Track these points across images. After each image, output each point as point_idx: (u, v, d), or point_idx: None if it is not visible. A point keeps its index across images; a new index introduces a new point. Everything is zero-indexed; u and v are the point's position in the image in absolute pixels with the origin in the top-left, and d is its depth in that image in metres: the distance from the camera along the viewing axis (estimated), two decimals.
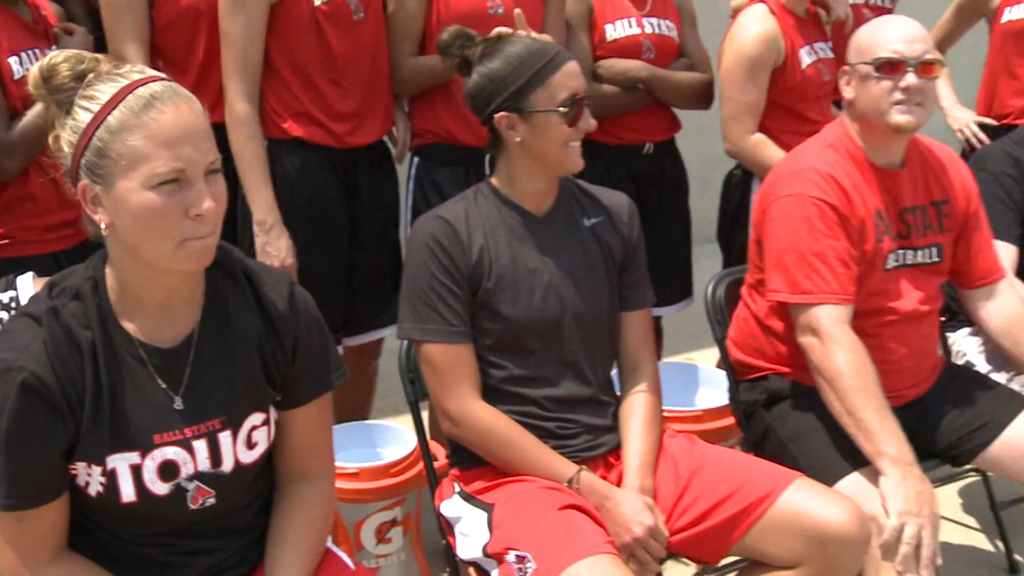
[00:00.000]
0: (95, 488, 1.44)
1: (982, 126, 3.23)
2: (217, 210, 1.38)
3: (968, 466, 2.33)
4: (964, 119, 3.27)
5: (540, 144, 1.89)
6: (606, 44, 2.75)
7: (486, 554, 1.81)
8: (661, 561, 1.86)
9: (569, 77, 1.87)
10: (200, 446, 1.47)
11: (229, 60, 2.34)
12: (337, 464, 2.25)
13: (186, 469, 1.47)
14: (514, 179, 1.95)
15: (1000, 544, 2.72)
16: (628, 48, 2.75)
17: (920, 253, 2.19)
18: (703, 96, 2.84)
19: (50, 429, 1.39)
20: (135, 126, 1.33)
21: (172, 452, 1.46)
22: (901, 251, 2.16)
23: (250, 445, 1.52)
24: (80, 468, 1.43)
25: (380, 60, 2.49)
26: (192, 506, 1.49)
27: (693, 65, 2.85)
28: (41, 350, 1.38)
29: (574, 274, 1.95)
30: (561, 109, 1.85)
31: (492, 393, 1.93)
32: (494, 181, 1.98)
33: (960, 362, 2.65)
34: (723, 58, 2.76)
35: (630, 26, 2.75)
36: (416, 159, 2.65)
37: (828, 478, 1.98)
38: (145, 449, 1.44)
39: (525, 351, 1.92)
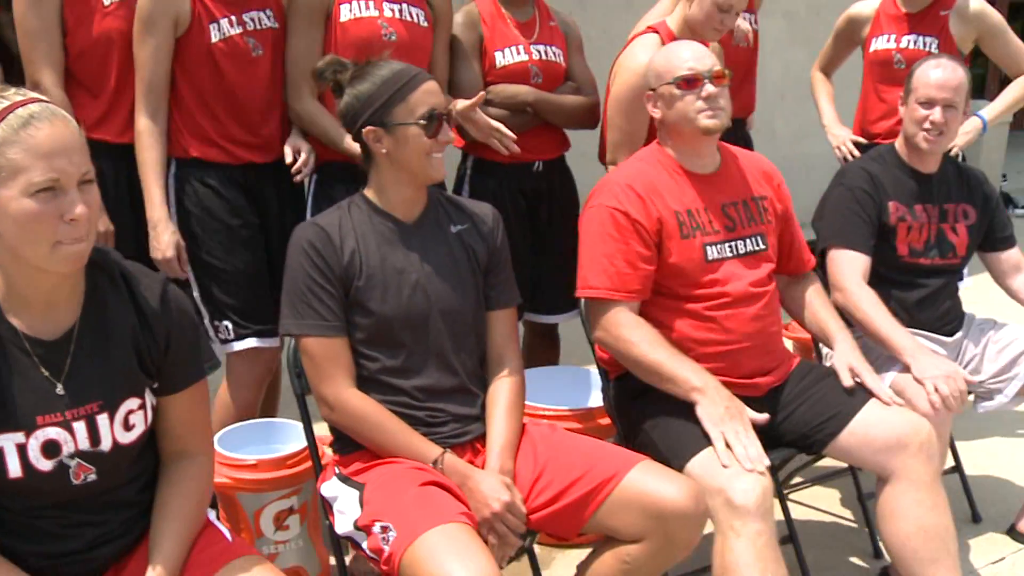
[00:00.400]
0: None
1: (856, 144, 3.51)
2: (89, 216, 1.53)
3: (847, 466, 2.54)
4: (842, 136, 3.56)
5: (403, 155, 2.08)
6: (496, 71, 2.94)
7: (356, 527, 1.97)
8: (523, 537, 2.02)
9: (427, 94, 2.06)
10: (79, 427, 1.63)
11: (138, 81, 2.56)
12: (237, 456, 2.42)
13: (67, 448, 1.62)
14: (384, 189, 2.14)
15: (866, 531, 2.94)
16: (517, 74, 2.94)
17: (748, 242, 2.43)
18: (588, 118, 3.04)
19: None
20: (14, 141, 1.48)
21: (54, 432, 1.61)
22: (724, 243, 2.39)
23: (127, 427, 1.68)
24: None
25: (277, 91, 2.68)
26: (75, 481, 1.64)
27: (579, 88, 3.05)
28: None
29: (441, 274, 2.13)
30: (420, 122, 2.04)
31: (367, 383, 2.10)
32: (367, 192, 2.16)
33: (828, 363, 2.86)
34: (612, 85, 2.90)
35: (518, 53, 2.95)
36: (314, 176, 2.82)
37: (682, 458, 2.17)
38: (29, 429, 1.60)
39: (395, 344, 2.09)
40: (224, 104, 2.61)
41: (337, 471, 2.11)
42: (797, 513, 3.11)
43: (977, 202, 2.87)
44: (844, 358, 2.46)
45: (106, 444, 1.65)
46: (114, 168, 2.61)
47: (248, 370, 2.74)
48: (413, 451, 2.04)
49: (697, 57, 2.37)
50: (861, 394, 2.41)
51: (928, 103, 2.72)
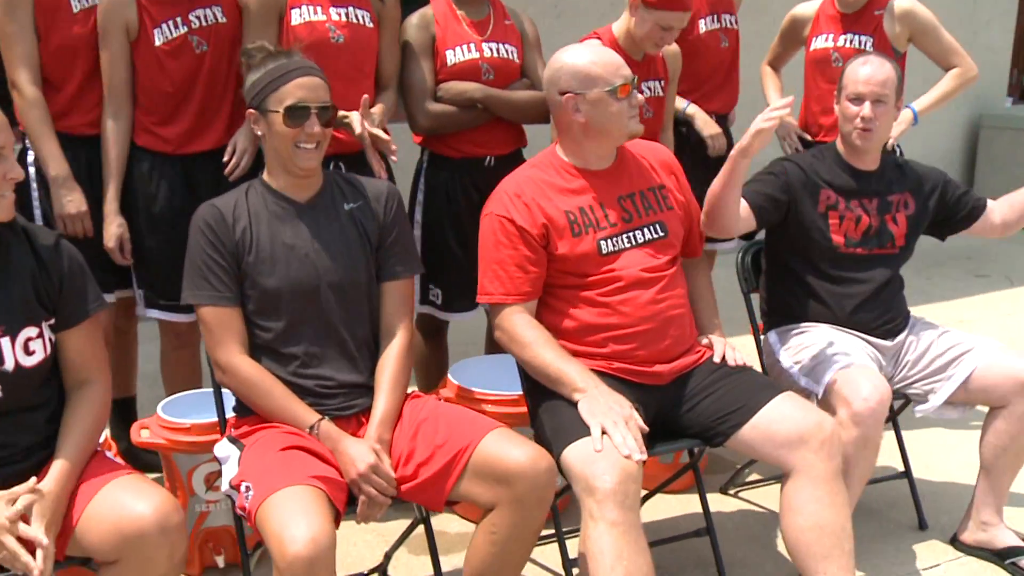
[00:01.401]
0: None
1: (800, 139, 3.62)
2: (8, 179, 1.91)
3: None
4: (788, 128, 3.66)
5: (273, 141, 2.25)
6: (447, 68, 3.04)
7: (231, 486, 2.13)
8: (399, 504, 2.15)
9: (299, 87, 2.21)
10: None
11: (104, 85, 2.83)
12: (173, 420, 2.60)
13: None
14: (272, 171, 2.32)
15: None
16: (467, 71, 3.04)
17: (647, 230, 2.50)
18: (538, 113, 3.11)
19: None
20: None
21: None
22: (620, 235, 2.46)
23: (28, 352, 1.96)
24: None
25: (218, 83, 2.87)
26: None
27: (532, 85, 3.14)
28: None
29: (330, 249, 2.27)
30: (282, 111, 2.19)
31: (261, 351, 2.26)
32: (264, 175, 2.33)
33: (768, 361, 2.89)
34: None
35: (469, 51, 3.05)
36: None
37: (562, 444, 2.25)
38: None
39: (284, 314, 2.25)
40: (168, 98, 2.83)
41: (230, 433, 2.28)
42: (733, 507, 3.15)
43: (917, 191, 2.87)
44: (719, 342, 2.59)
45: (9, 364, 1.92)
46: (74, 157, 2.83)
47: (164, 338, 3.04)
48: (292, 416, 2.19)
49: (623, 65, 2.46)
50: (767, 390, 2.45)
51: (857, 99, 2.73)
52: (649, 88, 3.22)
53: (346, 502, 2.12)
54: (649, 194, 2.55)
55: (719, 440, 2.46)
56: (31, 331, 1.96)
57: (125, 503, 1.88)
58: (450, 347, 3.44)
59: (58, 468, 1.92)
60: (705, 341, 2.61)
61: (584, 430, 2.23)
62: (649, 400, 2.45)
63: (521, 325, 2.42)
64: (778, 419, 2.38)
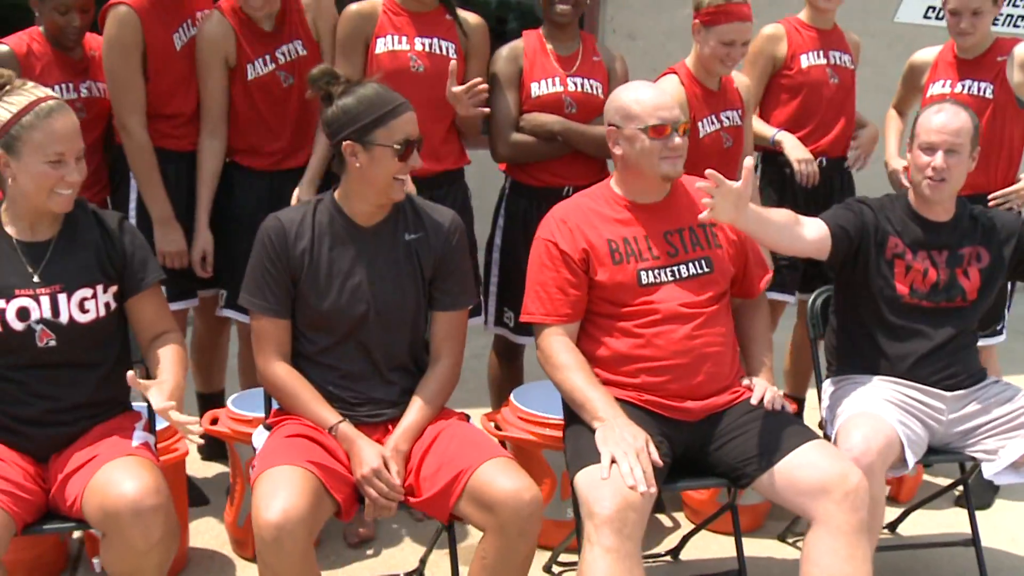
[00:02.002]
0: None
1: None
2: (81, 175, 2.23)
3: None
4: (896, 167, 3.59)
5: (373, 172, 2.37)
6: (531, 100, 3.18)
7: (251, 466, 2.34)
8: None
9: (406, 123, 2.35)
10: (44, 301, 2.25)
11: (202, 107, 3.12)
12: (239, 412, 2.85)
13: (35, 314, 2.23)
14: (349, 196, 2.45)
15: None
16: (550, 104, 3.17)
17: (691, 265, 2.54)
18: None
19: None
20: (38, 127, 2.15)
21: (24, 300, 2.24)
22: (663, 268, 2.51)
23: (82, 310, 2.27)
24: None
25: (306, 111, 3.12)
26: (39, 344, 2.23)
27: None
28: None
29: (383, 278, 2.42)
30: (396, 146, 2.33)
31: (305, 359, 2.45)
32: (336, 194, 2.48)
33: (824, 410, 2.85)
34: None
35: (553, 84, 3.17)
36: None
37: (576, 467, 2.33)
38: (8, 297, 2.23)
39: (330, 334, 2.42)
40: (260, 123, 3.11)
41: (266, 423, 2.48)
42: (784, 555, 3.10)
43: (990, 241, 2.78)
44: (760, 385, 2.57)
45: (64, 318, 2.25)
46: (165, 170, 3.11)
47: (240, 337, 3.37)
48: (316, 418, 2.36)
49: (668, 107, 2.51)
50: (797, 436, 2.43)
51: (929, 148, 2.67)
52: (728, 118, 3.23)
53: (352, 497, 2.28)
54: (698, 231, 2.58)
55: (745, 482, 2.46)
56: (86, 292, 2.28)
57: (113, 480, 2.10)
58: (528, 370, 3.54)
59: (165, 387, 2.21)
60: (747, 382, 2.61)
61: (597, 457, 2.29)
62: (677, 435, 2.48)
63: (558, 348, 2.50)
64: (803, 466, 2.37)
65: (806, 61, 3.53)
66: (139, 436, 2.30)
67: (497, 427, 3.01)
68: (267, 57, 3.06)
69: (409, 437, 2.37)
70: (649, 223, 2.56)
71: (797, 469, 2.37)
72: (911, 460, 2.57)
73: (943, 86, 3.44)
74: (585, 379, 2.45)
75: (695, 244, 2.57)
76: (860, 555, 2.30)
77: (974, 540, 2.92)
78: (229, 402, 2.96)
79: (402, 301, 2.44)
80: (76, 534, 2.80)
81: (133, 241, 2.37)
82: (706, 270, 2.55)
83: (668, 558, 3.05)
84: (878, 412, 2.60)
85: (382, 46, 3.06)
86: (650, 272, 2.51)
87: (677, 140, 2.49)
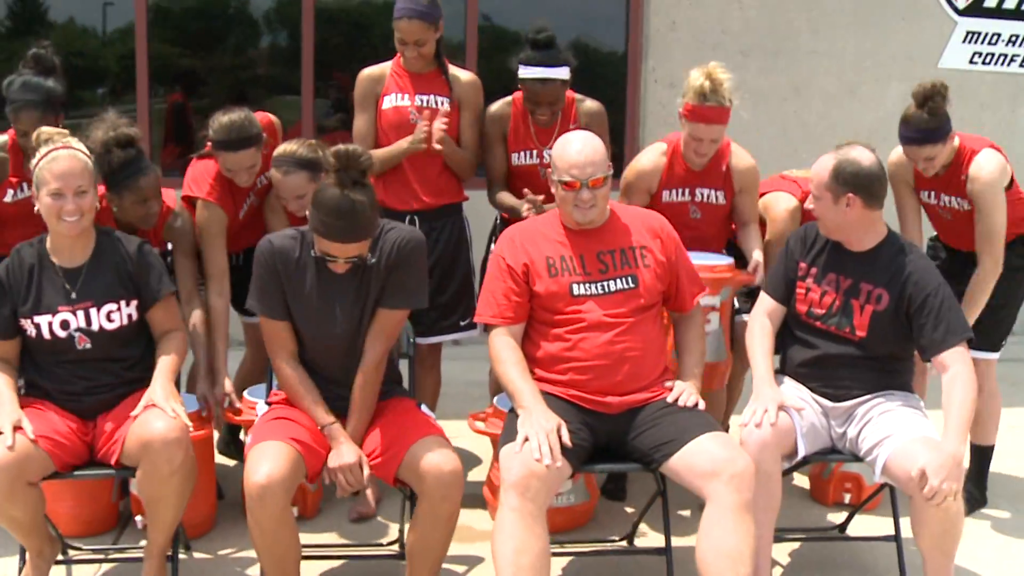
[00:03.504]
0: (31, 331, 2.88)
1: None
2: (77, 210, 2.80)
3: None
4: None
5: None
6: (511, 166, 3.73)
7: (249, 437, 2.91)
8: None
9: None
10: (80, 314, 2.88)
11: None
12: (251, 399, 3.43)
13: (73, 325, 2.87)
14: None
15: None
16: (526, 174, 3.72)
17: (619, 281, 2.98)
18: None
19: (5, 300, 2.88)
20: (45, 167, 2.80)
21: (65, 315, 2.87)
22: (594, 283, 2.96)
23: (109, 319, 2.91)
24: (24, 322, 2.87)
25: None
26: (78, 346, 2.87)
27: None
28: (7, 263, 2.87)
29: (358, 305, 2.91)
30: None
31: (303, 361, 2.99)
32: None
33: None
34: None
35: (530, 157, 3.71)
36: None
37: (503, 444, 2.81)
38: (53, 312, 2.86)
39: (309, 346, 2.97)
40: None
41: (266, 401, 3.09)
42: None
43: (893, 289, 3.00)
44: (679, 386, 3.00)
45: (95, 326, 2.88)
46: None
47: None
48: (312, 415, 2.90)
49: (581, 165, 2.90)
50: (699, 428, 2.84)
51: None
52: (703, 195, 3.62)
53: (318, 468, 2.83)
54: (629, 252, 3.03)
55: (654, 466, 2.88)
56: (112, 306, 2.92)
57: (148, 420, 2.73)
58: None
59: (158, 373, 2.90)
60: (669, 384, 3.04)
61: (516, 436, 2.77)
62: (599, 425, 2.93)
63: (500, 345, 2.98)
64: (699, 452, 2.78)
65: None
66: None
67: (482, 424, 3.50)
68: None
69: (358, 439, 2.90)
70: (585, 244, 3.02)
71: (694, 455, 2.78)
72: (801, 448, 2.95)
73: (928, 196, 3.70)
74: (519, 373, 2.92)
75: (624, 263, 3.01)
76: (744, 529, 2.68)
77: (895, 537, 3.23)
78: (246, 393, 3.56)
79: (357, 324, 2.93)
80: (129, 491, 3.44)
81: (148, 262, 2.97)
82: (631, 286, 2.99)
83: (623, 543, 3.46)
84: (791, 402, 3.00)
85: (388, 102, 3.67)
86: (582, 285, 2.97)
87: (585, 195, 2.91)
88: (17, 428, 2.69)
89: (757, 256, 3.56)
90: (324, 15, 6.06)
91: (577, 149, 2.95)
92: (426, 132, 3.56)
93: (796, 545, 3.52)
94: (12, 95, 3.38)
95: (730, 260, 3.53)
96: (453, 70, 3.75)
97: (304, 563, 2.85)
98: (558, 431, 2.74)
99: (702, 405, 2.98)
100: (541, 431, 2.72)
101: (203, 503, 3.44)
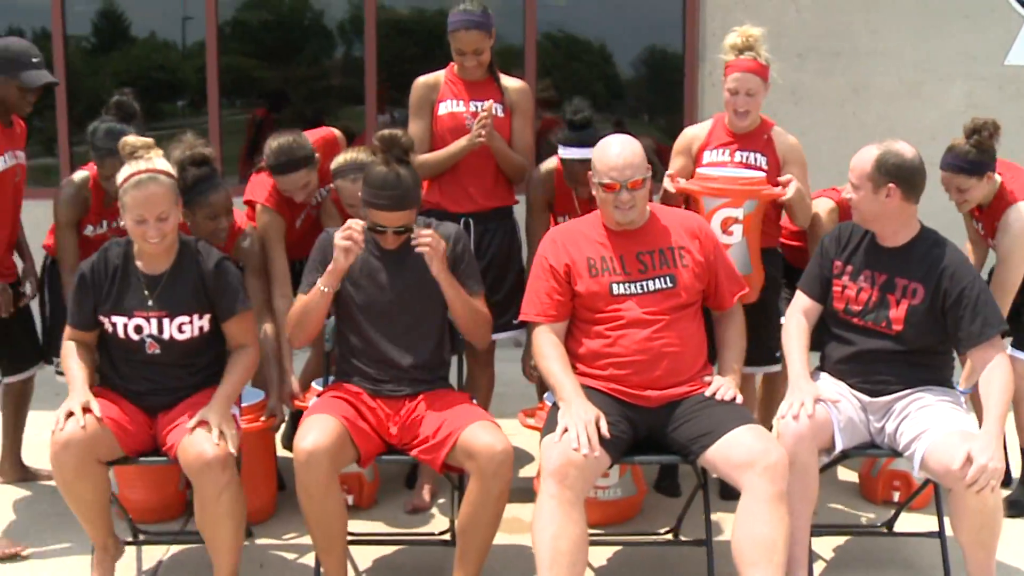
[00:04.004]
0: (108, 328, 3.05)
1: None
2: (159, 234, 2.96)
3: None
4: None
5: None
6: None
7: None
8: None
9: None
10: (153, 321, 3.04)
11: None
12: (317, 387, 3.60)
13: (146, 330, 3.04)
14: None
15: None
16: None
17: (657, 281, 3.08)
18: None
19: (88, 296, 3.04)
20: (129, 192, 2.94)
21: (140, 320, 3.04)
22: (633, 282, 3.07)
23: (180, 331, 3.06)
24: (103, 319, 3.04)
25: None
26: (148, 351, 3.04)
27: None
28: (93, 261, 3.04)
29: (408, 283, 3.11)
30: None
31: (351, 343, 3.19)
32: None
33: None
34: None
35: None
36: None
37: (546, 433, 2.92)
38: (130, 316, 3.03)
39: (369, 324, 3.14)
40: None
41: (319, 393, 3.28)
42: None
43: (929, 283, 3.04)
44: (717, 381, 3.08)
45: (166, 335, 3.04)
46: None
47: None
48: (313, 295, 3.10)
49: (620, 168, 3.01)
50: (736, 421, 2.93)
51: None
52: (743, 157, 3.65)
53: (371, 452, 2.99)
54: (668, 252, 3.12)
55: (692, 457, 2.97)
56: (184, 318, 3.05)
57: (195, 443, 2.85)
58: None
59: (220, 392, 3.02)
60: (708, 379, 3.12)
61: (556, 427, 2.88)
62: (639, 418, 3.04)
63: (543, 341, 3.11)
64: (735, 444, 2.86)
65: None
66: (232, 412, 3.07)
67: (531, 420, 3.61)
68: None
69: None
70: (625, 245, 3.12)
71: (730, 447, 2.86)
72: (839, 442, 3.00)
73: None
74: (560, 368, 3.04)
75: (663, 263, 3.11)
76: (777, 519, 2.77)
77: (939, 533, 3.24)
78: (314, 384, 3.73)
79: (420, 298, 3.13)
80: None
81: (226, 279, 3.08)
82: (669, 285, 3.08)
83: (669, 536, 3.54)
84: (830, 396, 3.05)
85: (443, 109, 3.82)
86: (622, 285, 3.08)
87: (624, 196, 3.03)
88: (87, 410, 2.88)
89: (790, 178, 3.53)
90: (388, 25, 6.26)
91: (616, 152, 3.05)
92: (484, 129, 3.68)
93: (841, 541, 3.56)
94: (96, 142, 3.58)
95: (760, 174, 3.55)
96: (503, 78, 3.88)
97: (359, 548, 3.01)
98: (596, 422, 2.84)
99: (740, 399, 3.05)
100: (580, 422, 2.83)
101: (264, 490, 3.63)
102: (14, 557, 3.39)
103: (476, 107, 3.78)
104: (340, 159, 3.72)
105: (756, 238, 3.51)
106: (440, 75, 3.88)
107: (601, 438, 2.82)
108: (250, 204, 3.80)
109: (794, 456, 2.88)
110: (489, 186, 3.86)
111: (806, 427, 2.93)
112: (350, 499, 3.64)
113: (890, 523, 3.58)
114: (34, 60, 3.57)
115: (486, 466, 2.83)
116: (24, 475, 4.06)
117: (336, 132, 4.09)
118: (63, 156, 6.29)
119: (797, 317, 3.25)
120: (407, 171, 3.04)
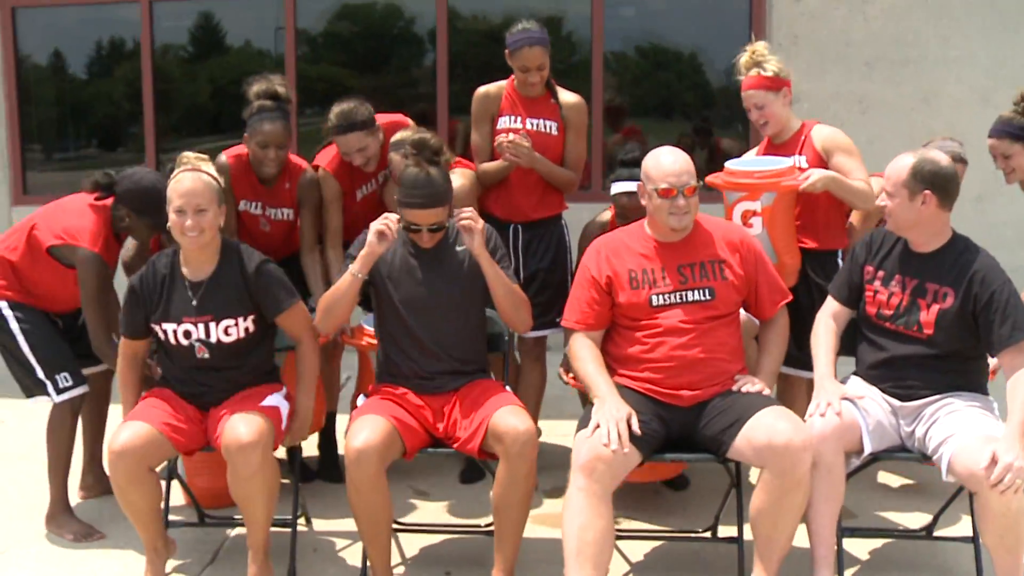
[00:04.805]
0: (162, 336, 3.23)
1: None
2: (196, 227, 3.11)
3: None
4: None
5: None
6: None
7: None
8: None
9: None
10: (200, 326, 3.21)
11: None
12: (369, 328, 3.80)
13: (194, 335, 3.21)
14: None
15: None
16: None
17: (696, 292, 3.17)
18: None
19: (139, 307, 3.23)
20: (170, 186, 3.15)
21: (188, 325, 3.21)
22: (673, 293, 3.17)
23: (226, 333, 3.22)
24: (155, 328, 3.23)
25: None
26: (197, 355, 3.22)
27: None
28: (142, 274, 3.25)
29: (445, 279, 3.29)
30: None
31: (392, 340, 3.37)
32: None
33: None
34: None
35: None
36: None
37: (580, 428, 3.05)
38: (178, 322, 3.21)
39: (410, 320, 3.31)
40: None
41: (365, 393, 3.45)
42: None
43: (959, 287, 3.07)
44: (746, 378, 3.18)
45: (213, 338, 3.21)
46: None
47: None
48: (344, 282, 3.27)
49: (677, 174, 3.13)
50: (759, 405, 3.02)
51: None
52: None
53: (416, 446, 3.18)
54: (708, 265, 3.21)
55: (724, 450, 3.05)
56: (229, 321, 3.22)
57: (234, 425, 3.06)
58: None
59: (300, 388, 3.31)
60: (740, 379, 3.20)
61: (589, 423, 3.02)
62: (672, 417, 3.15)
63: (579, 345, 3.25)
64: (758, 427, 2.96)
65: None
66: (272, 399, 3.26)
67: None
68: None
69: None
70: (667, 257, 3.22)
71: (754, 430, 2.96)
72: (868, 445, 3.07)
73: None
74: (595, 368, 3.17)
75: (703, 276, 3.20)
76: (789, 502, 2.91)
77: (974, 539, 3.26)
78: (362, 321, 3.93)
79: (460, 296, 3.30)
80: None
81: (268, 281, 3.23)
82: (708, 298, 3.18)
83: (707, 534, 3.63)
84: (843, 402, 3.10)
85: (502, 123, 4.01)
86: (662, 296, 3.18)
87: (680, 202, 3.13)
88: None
89: (810, 170, 3.54)
90: (462, 34, 6.48)
91: (671, 160, 3.17)
92: (514, 157, 3.88)
93: (879, 544, 3.61)
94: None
95: (780, 166, 3.57)
96: (561, 93, 4.05)
97: (408, 536, 3.17)
98: (628, 420, 2.96)
99: (767, 392, 3.14)
100: (611, 419, 2.95)
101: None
102: (90, 534, 3.66)
103: (532, 124, 3.98)
104: (399, 135, 3.95)
105: (784, 228, 3.55)
106: (502, 86, 4.06)
107: (632, 435, 2.95)
108: (315, 168, 4.09)
109: (819, 456, 2.95)
110: (536, 200, 4.06)
111: (832, 427, 3.00)
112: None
113: (930, 527, 3.61)
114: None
115: (511, 447, 3.00)
116: (108, 487, 4.13)
117: (409, 120, 4.29)
118: (150, 162, 6.71)
119: (826, 320, 3.32)
120: (438, 171, 3.21)
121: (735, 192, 3.55)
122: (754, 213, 3.52)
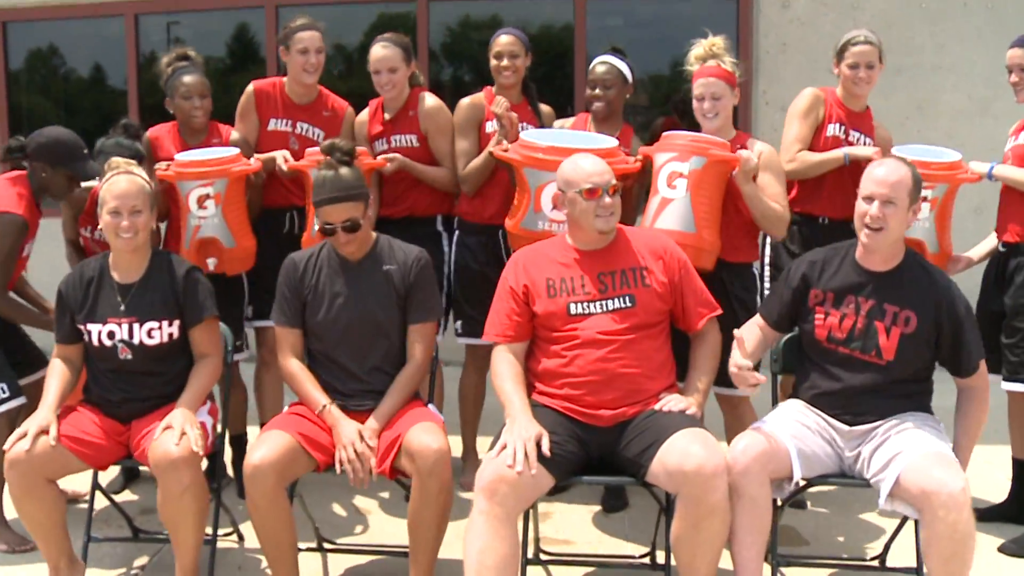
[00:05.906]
0: (86, 337, 3.23)
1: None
2: (131, 228, 3.13)
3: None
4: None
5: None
6: None
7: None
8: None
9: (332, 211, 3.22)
10: (124, 327, 3.21)
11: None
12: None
13: (117, 335, 3.20)
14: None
15: None
16: None
17: (617, 300, 3.06)
18: None
19: (66, 309, 3.25)
20: (105, 187, 3.14)
21: (112, 326, 3.21)
22: (592, 302, 3.06)
23: (149, 336, 3.21)
24: (81, 328, 3.23)
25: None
26: (120, 356, 3.20)
27: None
28: (69, 277, 3.26)
29: (365, 297, 3.22)
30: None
31: (315, 358, 3.31)
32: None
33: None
34: None
35: None
36: (456, 231, 4.21)
37: (491, 448, 2.94)
38: (103, 322, 3.20)
39: (327, 339, 3.25)
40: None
41: (286, 411, 3.35)
42: None
43: (921, 310, 2.95)
44: (670, 396, 3.05)
45: (136, 340, 3.19)
46: None
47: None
48: (310, 399, 3.21)
49: (600, 173, 3.08)
50: (675, 427, 2.88)
51: (868, 199, 2.94)
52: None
53: (328, 462, 3.09)
54: (630, 272, 3.11)
55: (643, 473, 2.91)
56: (154, 324, 3.22)
57: (161, 443, 2.98)
58: None
59: (184, 398, 3.17)
60: (665, 398, 3.07)
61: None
62: (591, 437, 3.03)
63: (499, 360, 3.14)
64: (672, 451, 2.81)
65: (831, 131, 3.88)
66: (198, 415, 3.19)
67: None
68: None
69: (383, 419, 3.16)
70: (588, 266, 3.12)
71: (667, 453, 2.82)
72: (797, 471, 2.91)
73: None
74: (512, 386, 3.06)
75: (623, 283, 3.09)
76: (706, 529, 2.77)
77: (917, 569, 3.13)
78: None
79: (380, 314, 3.23)
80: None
81: (194, 287, 3.25)
82: (628, 305, 3.07)
83: (645, 560, 3.50)
84: (772, 427, 2.97)
85: (489, 127, 4.05)
86: (579, 305, 3.08)
87: (607, 200, 3.06)
88: (43, 432, 3.04)
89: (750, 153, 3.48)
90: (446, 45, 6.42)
91: (591, 162, 3.12)
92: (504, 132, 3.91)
93: (823, 573, 3.45)
94: (106, 148, 3.96)
95: (721, 140, 3.49)
96: (542, 106, 4.22)
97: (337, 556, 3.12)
98: (537, 440, 2.85)
99: (693, 411, 3.00)
100: (519, 439, 2.84)
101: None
102: (23, 543, 3.65)
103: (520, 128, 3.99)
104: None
105: (709, 199, 3.43)
106: (480, 97, 4.15)
107: (543, 457, 2.83)
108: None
109: (741, 488, 2.82)
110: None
111: (753, 455, 2.84)
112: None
113: (882, 557, 3.45)
114: (84, 152, 3.82)
115: (422, 465, 2.92)
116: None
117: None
118: None
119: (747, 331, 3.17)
120: (348, 170, 3.22)
121: (663, 154, 3.45)
122: (679, 175, 3.40)
